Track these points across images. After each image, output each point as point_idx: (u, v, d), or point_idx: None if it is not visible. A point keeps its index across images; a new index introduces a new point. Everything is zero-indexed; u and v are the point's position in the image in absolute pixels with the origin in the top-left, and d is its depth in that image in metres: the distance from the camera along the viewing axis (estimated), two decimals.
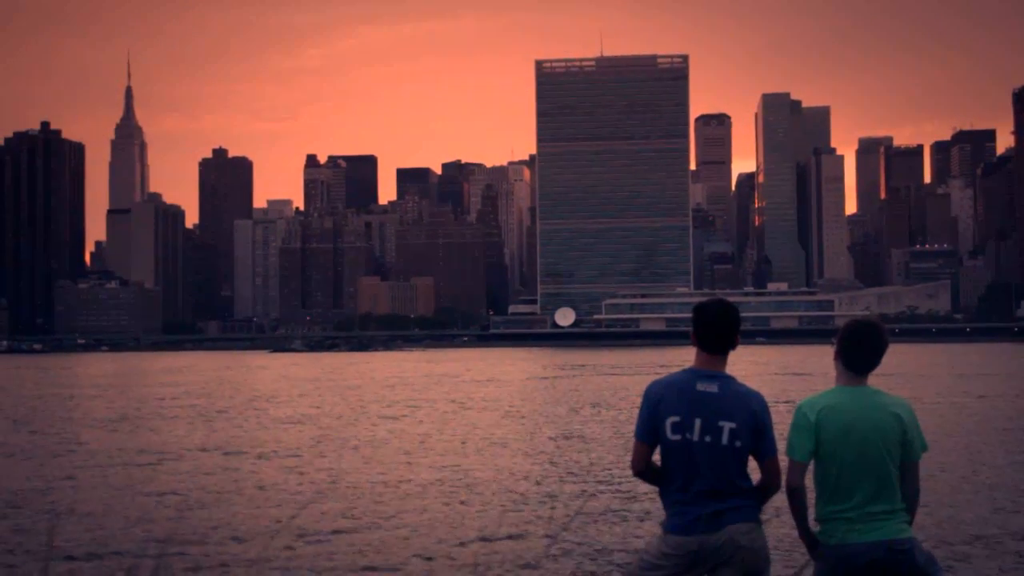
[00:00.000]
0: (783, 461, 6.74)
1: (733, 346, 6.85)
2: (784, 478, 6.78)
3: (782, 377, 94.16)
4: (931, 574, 6.76)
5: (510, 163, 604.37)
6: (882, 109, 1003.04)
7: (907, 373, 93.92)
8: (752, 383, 6.76)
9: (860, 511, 6.72)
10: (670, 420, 6.69)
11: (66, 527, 22.92)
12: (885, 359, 6.81)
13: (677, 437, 6.68)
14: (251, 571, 18.98)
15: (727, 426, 6.63)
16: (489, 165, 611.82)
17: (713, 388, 6.70)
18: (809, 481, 6.77)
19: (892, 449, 6.77)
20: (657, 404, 6.74)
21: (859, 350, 6.90)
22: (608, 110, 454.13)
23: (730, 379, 6.78)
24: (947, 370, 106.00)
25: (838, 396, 6.85)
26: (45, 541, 21.63)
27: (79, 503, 26.53)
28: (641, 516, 23.15)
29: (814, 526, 6.92)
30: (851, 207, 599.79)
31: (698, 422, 6.65)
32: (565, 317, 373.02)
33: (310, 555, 19.92)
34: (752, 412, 6.68)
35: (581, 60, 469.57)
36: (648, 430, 6.77)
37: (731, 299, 6.66)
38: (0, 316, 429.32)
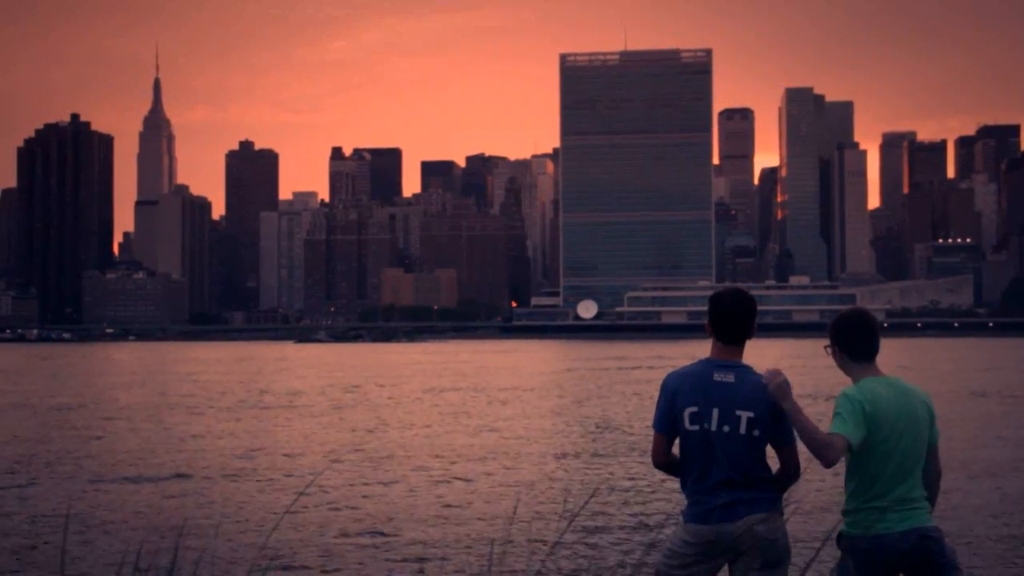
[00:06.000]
0: (802, 449, 6.52)
1: (749, 336, 6.82)
2: (828, 450, 6.34)
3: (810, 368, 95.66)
4: (956, 563, 6.63)
5: (533, 156, 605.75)
6: (906, 104, 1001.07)
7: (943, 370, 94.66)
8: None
9: (892, 499, 6.58)
10: (688, 411, 6.69)
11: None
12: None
13: (695, 427, 6.67)
14: None
15: (745, 415, 6.59)
16: (512, 158, 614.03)
17: (730, 378, 6.67)
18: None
19: (925, 436, 6.71)
20: (674, 395, 6.75)
21: (860, 337, 6.82)
22: (631, 104, 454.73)
23: (747, 369, 6.76)
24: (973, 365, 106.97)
25: (876, 386, 6.68)
26: None
27: None
28: (655, 499, 23.28)
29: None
30: (874, 201, 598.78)
31: (715, 412, 6.63)
32: (587, 310, 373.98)
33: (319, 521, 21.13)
34: (770, 401, 6.58)
35: (605, 54, 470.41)
36: (666, 421, 6.79)
37: (753, 292, 6.86)
38: (30, 305, 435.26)
